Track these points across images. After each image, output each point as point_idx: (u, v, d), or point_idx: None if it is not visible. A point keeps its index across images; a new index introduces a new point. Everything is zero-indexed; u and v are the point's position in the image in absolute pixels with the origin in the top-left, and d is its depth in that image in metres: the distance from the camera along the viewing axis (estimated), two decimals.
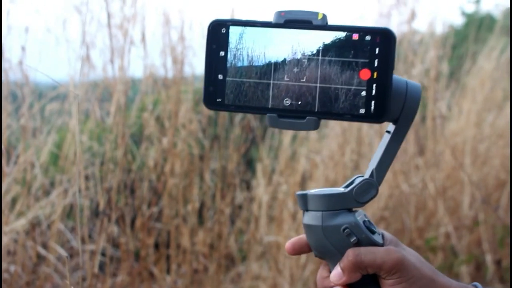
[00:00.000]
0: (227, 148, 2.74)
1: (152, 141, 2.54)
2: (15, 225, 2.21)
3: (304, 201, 0.83)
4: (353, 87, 0.83)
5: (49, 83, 2.85)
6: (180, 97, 2.55)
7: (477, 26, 4.34)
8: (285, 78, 0.82)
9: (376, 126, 3.06)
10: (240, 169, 2.81)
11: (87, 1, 2.31)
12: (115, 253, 2.51)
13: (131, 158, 2.46)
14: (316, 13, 0.83)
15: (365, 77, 0.82)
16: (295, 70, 0.83)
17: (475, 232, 3.08)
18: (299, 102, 0.82)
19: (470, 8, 7.98)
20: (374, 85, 0.82)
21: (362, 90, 0.82)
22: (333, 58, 0.83)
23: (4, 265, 2.18)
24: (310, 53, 0.83)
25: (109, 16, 2.30)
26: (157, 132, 2.53)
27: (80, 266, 1.85)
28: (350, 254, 0.78)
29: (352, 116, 0.82)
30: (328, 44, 0.83)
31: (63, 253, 2.33)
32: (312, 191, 0.84)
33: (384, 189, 2.93)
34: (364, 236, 0.79)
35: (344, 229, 0.79)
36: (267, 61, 0.83)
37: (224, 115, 2.70)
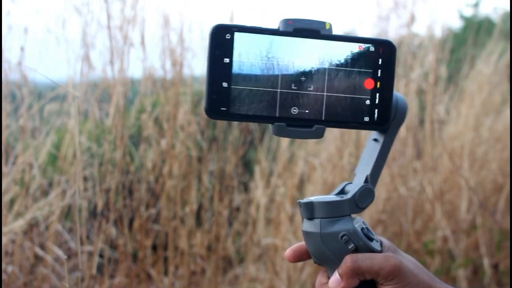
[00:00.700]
0: (225, 150, 2.75)
1: (150, 142, 2.54)
2: (13, 225, 2.21)
3: (309, 209, 0.83)
4: (358, 96, 0.84)
5: (48, 84, 2.85)
6: (179, 99, 2.55)
7: (476, 30, 4.36)
8: (293, 87, 0.83)
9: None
10: (238, 171, 2.81)
11: (88, 2, 2.31)
12: (113, 255, 2.51)
13: (129, 159, 2.46)
14: (324, 23, 0.83)
15: (369, 86, 0.85)
16: (303, 79, 0.83)
17: (473, 236, 3.08)
18: (307, 111, 0.83)
19: (469, 12, 7.99)
20: (378, 94, 0.85)
21: (366, 99, 0.85)
22: (339, 68, 0.85)
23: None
24: (318, 63, 0.84)
25: (109, 17, 2.30)
26: (156, 133, 2.53)
27: (79, 267, 1.84)
28: (348, 260, 0.79)
29: (357, 124, 0.85)
30: (335, 54, 0.85)
31: (61, 254, 2.33)
32: (311, 198, 0.84)
33: (382, 192, 2.93)
34: (361, 243, 0.80)
35: (342, 236, 0.80)
36: (274, 70, 0.83)
37: None
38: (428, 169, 3.06)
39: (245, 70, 0.81)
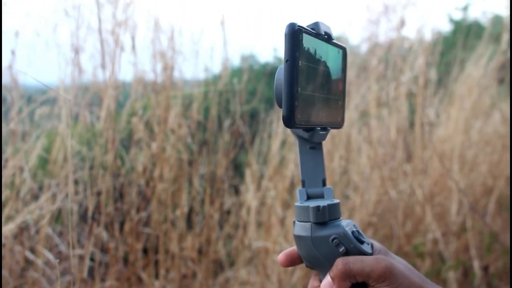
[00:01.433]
0: (216, 153, 2.75)
1: (141, 146, 2.54)
2: (4, 229, 2.21)
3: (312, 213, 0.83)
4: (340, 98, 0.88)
5: (38, 87, 2.85)
6: (170, 103, 2.55)
7: (465, 34, 4.38)
8: (332, 94, 0.87)
9: (365, 133, 3.08)
10: (229, 175, 2.82)
11: (78, 5, 2.31)
12: (104, 258, 2.50)
13: (120, 163, 2.46)
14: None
15: (341, 88, 0.88)
16: (337, 86, 0.87)
17: (463, 238, 3.09)
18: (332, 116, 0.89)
19: (458, 15, 8.03)
20: (343, 96, 0.89)
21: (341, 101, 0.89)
22: (343, 74, 0.89)
23: None
24: (341, 70, 0.89)
25: (100, 21, 2.30)
26: (147, 137, 2.53)
27: (71, 271, 1.84)
28: (339, 263, 0.79)
29: (336, 125, 0.89)
30: (343, 59, 0.88)
31: (52, 258, 2.32)
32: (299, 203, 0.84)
33: (372, 195, 2.94)
34: (352, 246, 0.80)
35: (333, 239, 0.80)
36: (327, 75, 0.84)
37: (213, 119, 2.70)
38: (418, 172, 3.07)
39: (310, 75, 0.77)
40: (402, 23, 3.18)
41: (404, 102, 3.11)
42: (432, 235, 2.97)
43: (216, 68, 2.89)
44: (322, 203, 0.81)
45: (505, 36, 3.47)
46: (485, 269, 2.91)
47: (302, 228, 0.82)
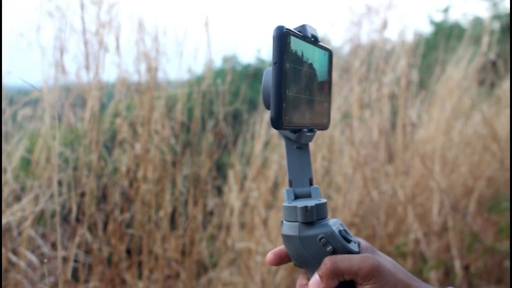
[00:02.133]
0: (200, 154, 2.75)
1: (124, 147, 2.54)
2: None
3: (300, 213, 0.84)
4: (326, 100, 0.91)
5: (20, 88, 2.83)
6: (153, 104, 2.55)
7: (446, 35, 4.42)
8: (317, 96, 0.88)
9: (347, 134, 3.09)
10: (212, 176, 2.82)
11: (62, 6, 2.31)
12: (87, 259, 2.50)
13: (103, 164, 2.46)
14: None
15: (327, 90, 0.91)
16: (323, 88, 0.89)
17: (444, 238, 3.12)
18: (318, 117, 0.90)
19: (439, 17, 8.09)
20: (329, 98, 0.91)
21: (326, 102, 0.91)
22: (329, 76, 0.91)
23: None
24: (327, 72, 0.90)
25: (83, 22, 2.29)
26: (130, 137, 2.52)
27: (54, 272, 1.84)
28: (327, 262, 0.80)
29: (322, 126, 0.90)
30: (329, 61, 0.90)
31: (34, 259, 2.32)
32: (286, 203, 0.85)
33: (354, 196, 2.96)
34: (339, 245, 0.81)
35: (320, 239, 0.81)
36: (313, 78, 0.85)
37: (196, 121, 2.71)
38: (400, 172, 3.09)
39: (296, 77, 0.78)
40: (384, 25, 3.20)
41: (386, 104, 3.13)
42: (414, 235, 3.00)
43: (200, 69, 2.90)
44: (309, 203, 0.82)
45: (485, 38, 3.51)
46: (466, 268, 2.94)
47: (290, 228, 0.83)
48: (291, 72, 0.76)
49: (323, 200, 0.85)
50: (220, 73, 4.18)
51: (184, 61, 2.63)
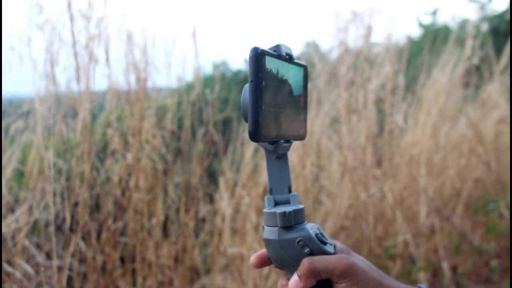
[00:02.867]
0: (190, 162, 2.78)
1: (116, 157, 2.57)
2: None
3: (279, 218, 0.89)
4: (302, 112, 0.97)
5: (12, 100, 2.86)
6: (144, 114, 2.58)
7: (433, 38, 4.46)
8: (294, 110, 0.94)
9: (335, 139, 3.13)
10: (203, 183, 2.85)
11: (54, 20, 2.34)
12: (81, 268, 2.53)
13: (96, 173, 2.49)
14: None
15: (303, 103, 0.97)
16: (298, 102, 0.94)
17: (432, 240, 3.16)
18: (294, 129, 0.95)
19: (427, 20, 8.13)
20: (305, 110, 0.97)
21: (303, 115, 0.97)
22: (304, 90, 0.97)
23: None
24: (303, 87, 0.96)
25: (73, 35, 2.33)
26: (122, 148, 2.56)
27: (49, 282, 1.87)
28: (305, 263, 0.87)
29: (299, 137, 0.97)
30: (304, 76, 0.95)
31: (29, 269, 2.34)
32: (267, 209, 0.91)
33: (344, 199, 3.00)
34: (316, 247, 0.87)
35: (298, 242, 0.87)
36: (289, 92, 0.91)
37: (186, 129, 2.74)
38: (388, 176, 3.13)
39: (271, 93, 0.84)
40: (369, 31, 3.24)
41: (373, 108, 3.17)
42: (402, 237, 3.04)
43: (189, 77, 2.93)
44: (288, 209, 0.88)
45: (469, 42, 3.56)
46: (454, 269, 2.99)
47: (270, 232, 0.89)
48: (267, 88, 0.82)
49: (301, 206, 0.90)
50: (209, 80, 4.21)
51: (173, 71, 2.66)
